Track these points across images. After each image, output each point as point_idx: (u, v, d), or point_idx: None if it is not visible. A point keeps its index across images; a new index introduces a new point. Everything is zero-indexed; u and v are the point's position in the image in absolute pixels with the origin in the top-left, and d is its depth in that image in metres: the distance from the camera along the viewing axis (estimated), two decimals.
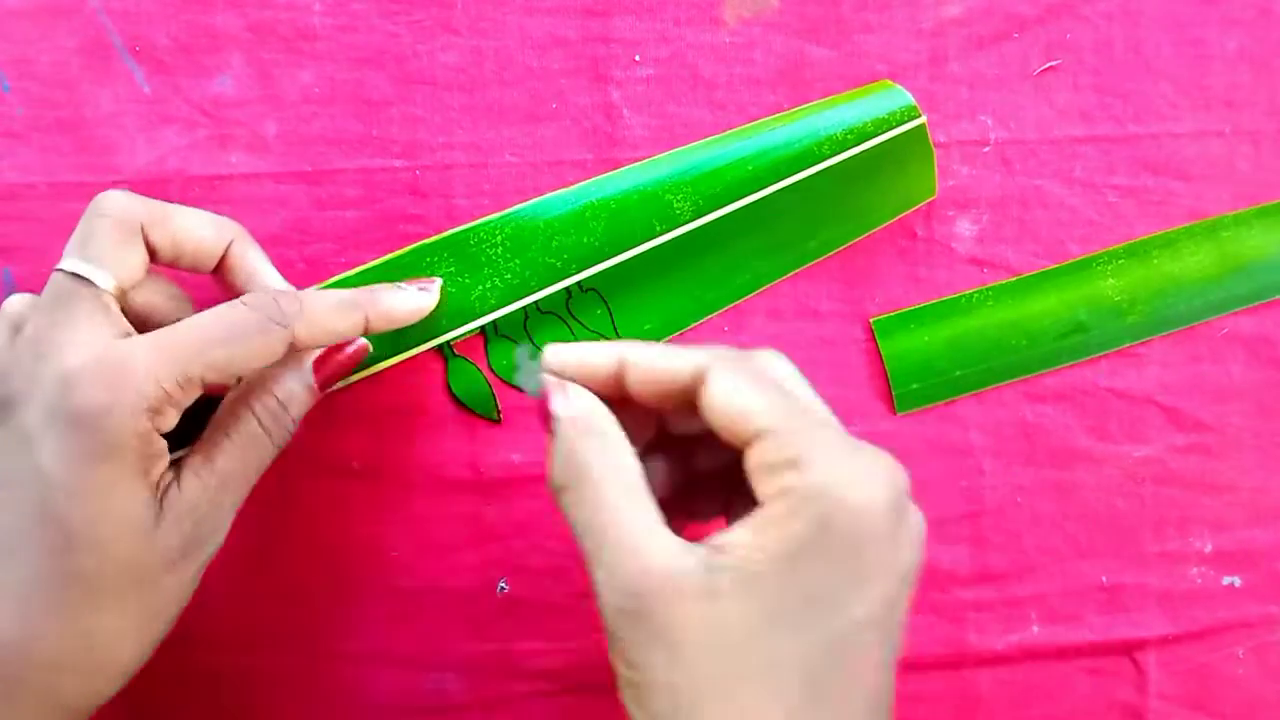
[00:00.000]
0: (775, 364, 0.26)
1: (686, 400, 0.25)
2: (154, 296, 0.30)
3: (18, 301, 0.30)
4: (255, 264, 0.31)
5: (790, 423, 0.23)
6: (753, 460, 0.23)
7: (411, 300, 0.32)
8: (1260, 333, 0.36)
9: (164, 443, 0.27)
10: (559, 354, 0.26)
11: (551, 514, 0.35)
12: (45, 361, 0.25)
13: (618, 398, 0.25)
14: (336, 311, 0.29)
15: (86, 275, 0.26)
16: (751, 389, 0.24)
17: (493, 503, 0.35)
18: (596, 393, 0.25)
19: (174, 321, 0.30)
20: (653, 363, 0.25)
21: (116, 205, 0.27)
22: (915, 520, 0.24)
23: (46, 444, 0.25)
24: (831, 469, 0.22)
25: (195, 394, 0.27)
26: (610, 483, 0.24)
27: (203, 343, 0.26)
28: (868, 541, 0.23)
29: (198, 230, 0.29)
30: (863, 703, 0.23)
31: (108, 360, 0.25)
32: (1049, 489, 0.36)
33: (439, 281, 0.33)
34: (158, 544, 0.26)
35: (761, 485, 0.23)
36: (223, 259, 0.30)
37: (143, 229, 0.28)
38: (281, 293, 0.29)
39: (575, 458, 0.24)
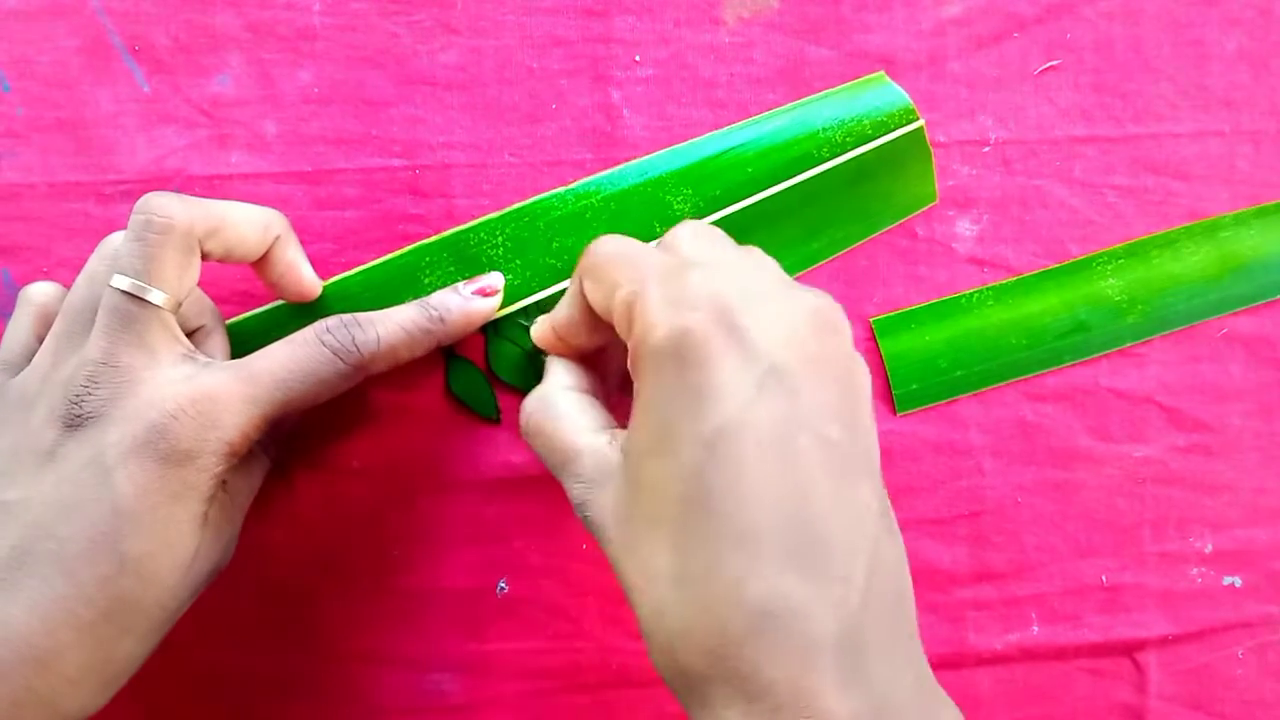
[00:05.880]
0: (677, 233, 0.27)
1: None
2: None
3: (44, 292, 0.30)
4: (294, 258, 0.31)
5: (629, 285, 0.24)
6: (619, 332, 0.25)
7: (478, 310, 0.32)
8: (1260, 333, 0.36)
9: (224, 479, 0.27)
10: (534, 334, 0.31)
11: (551, 514, 0.35)
12: (131, 392, 0.26)
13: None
14: (411, 340, 0.30)
15: (150, 299, 0.26)
16: (610, 271, 0.26)
17: (493, 503, 0.35)
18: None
19: (199, 327, 0.30)
20: (560, 315, 0.29)
21: (178, 221, 0.26)
22: (762, 320, 0.23)
23: (124, 473, 0.25)
24: (642, 316, 0.23)
25: (266, 430, 0.27)
26: (554, 416, 0.27)
27: (283, 385, 0.27)
28: (686, 370, 0.22)
29: (250, 234, 0.29)
30: (754, 515, 0.22)
31: (199, 404, 0.26)
32: (1049, 489, 0.36)
33: (500, 280, 0.33)
34: (192, 575, 0.27)
35: None
36: (264, 254, 0.30)
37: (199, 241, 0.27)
38: (356, 324, 0.29)
39: (530, 419, 0.28)
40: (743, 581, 0.21)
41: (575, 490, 0.26)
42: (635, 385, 0.24)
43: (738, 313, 0.23)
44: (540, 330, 0.30)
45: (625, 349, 0.25)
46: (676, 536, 0.22)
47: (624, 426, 0.27)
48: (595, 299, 0.26)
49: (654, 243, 0.27)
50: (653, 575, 0.23)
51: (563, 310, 0.29)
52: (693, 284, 0.23)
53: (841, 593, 0.21)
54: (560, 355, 0.30)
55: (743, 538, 0.21)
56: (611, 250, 0.26)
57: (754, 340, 0.22)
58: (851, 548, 0.22)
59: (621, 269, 0.25)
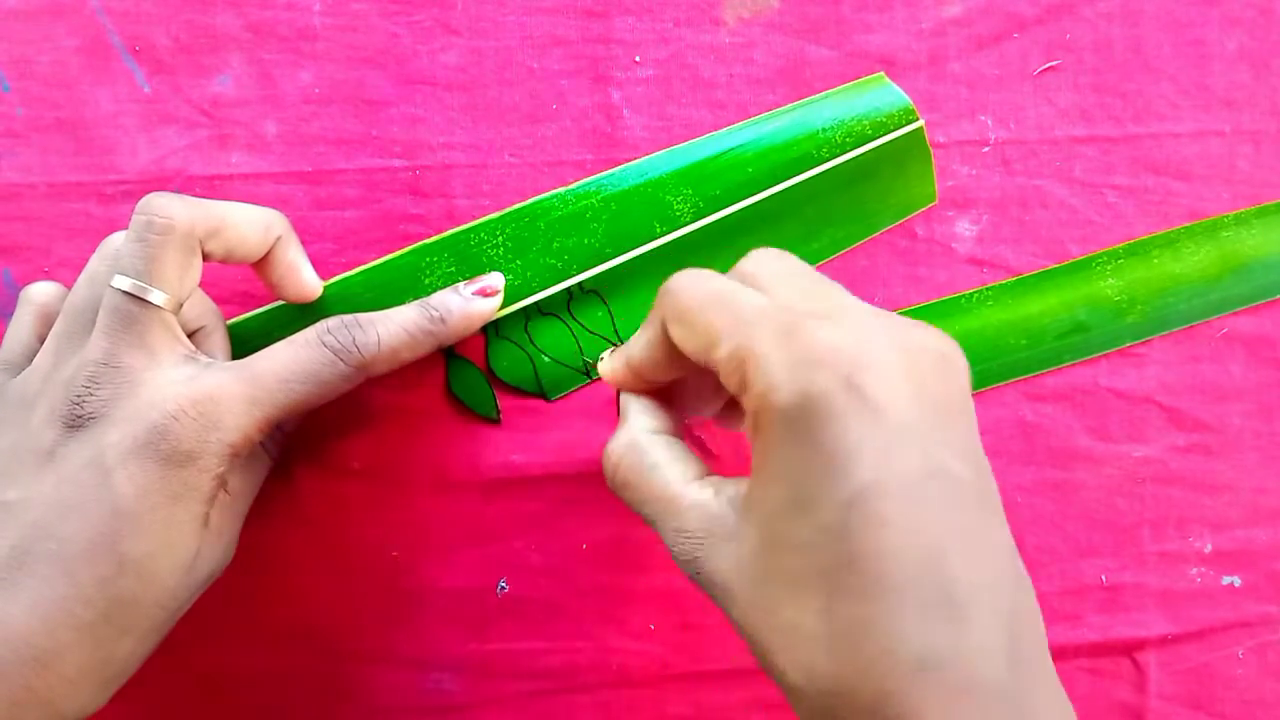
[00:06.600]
0: (760, 265, 0.26)
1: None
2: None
3: (45, 292, 0.30)
4: (295, 259, 0.31)
5: (736, 339, 0.23)
6: (725, 386, 0.24)
7: (479, 311, 0.32)
8: (1260, 333, 0.36)
9: (226, 480, 0.27)
10: (603, 370, 0.30)
11: (551, 514, 0.35)
12: (132, 393, 0.26)
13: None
14: (412, 341, 0.30)
15: (151, 299, 0.26)
16: (706, 320, 0.24)
17: (493, 503, 0.35)
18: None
19: (199, 328, 0.30)
20: (637, 353, 0.27)
21: (179, 221, 0.26)
22: (890, 375, 0.22)
23: (125, 474, 0.25)
24: (762, 376, 0.22)
25: (267, 431, 0.27)
26: (648, 466, 0.26)
27: (284, 388, 0.27)
28: (818, 433, 0.22)
29: (251, 235, 0.29)
30: (900, 574, 0.21)
31: (200, 405, 0.26)
32: (1049, 489, 0.36)
33: (501, 281, 0.33)
34: (193, 576, 0.27)
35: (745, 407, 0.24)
36: (265, 255, 0.30)
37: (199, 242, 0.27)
38: (356, 325, 0.29)
39: (618, 469, 0.27)
40: (897, 638, 0.21)
41: (683, 547, 0.25)
42: (756, 443, 0.23)
43: (862, 369, 0.22)
44: (613, 367, 0.29)
45: (701, 379, 0.25)
46: (824, 598, 0.22)
47: (713, 467, 0.26)
48: (689, 347, 0.25)
49: (732, 273, 0.26)
50: (799, 637, 0.22)
51: (642, 350, 0.27)
52: (813, 341, 0.22)
53: (989, 636, 0.21)
54: (633, 391, 0.29)
55: (892, 595, 0.21)
56: (702, 295, 0.25)
57: (880, 396, 0.22)
58: (994, 592, 0.21)
59: (720, 318, 0.24)
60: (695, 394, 0.29)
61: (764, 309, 0.24)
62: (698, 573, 0.24)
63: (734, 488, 0.24)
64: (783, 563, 0.22)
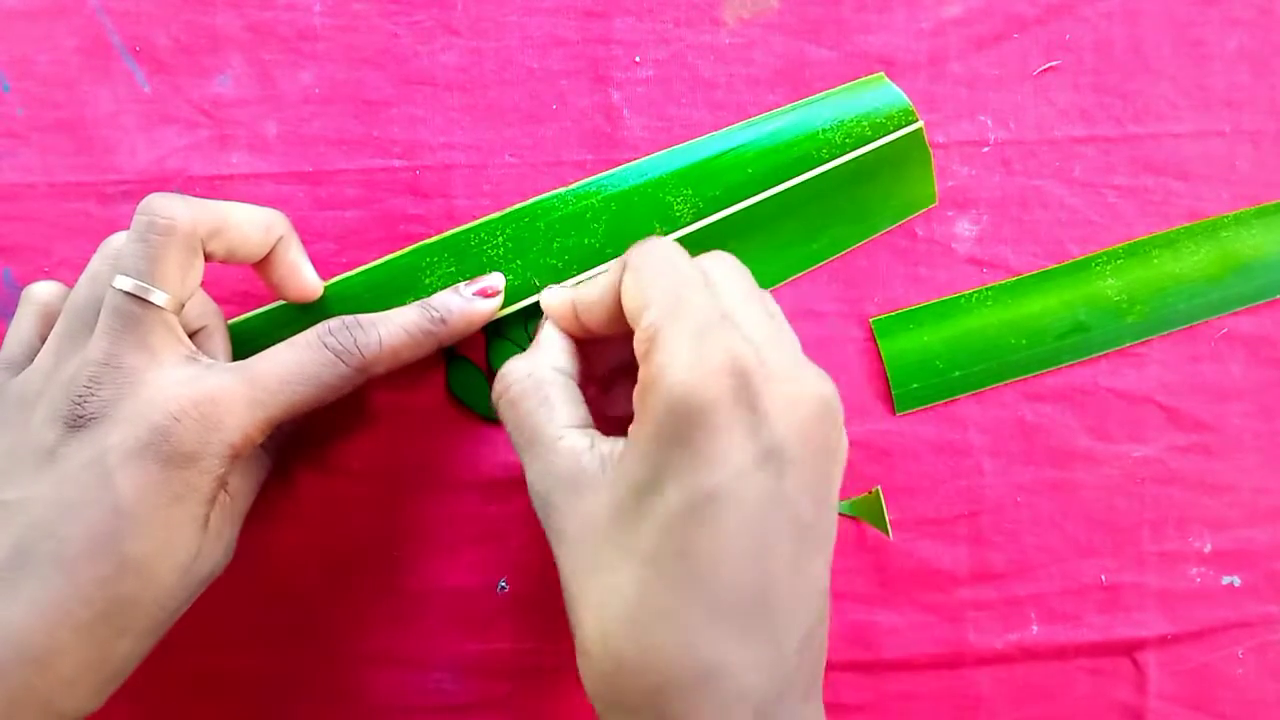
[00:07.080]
0: (715, 264, 0.26)
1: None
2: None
3: (46, 291, 0.30)
4: (296, 259, 0.31)
5: (662, 314, 0.24)
6: (635, 349, 0.25)
7: (480, 311, 0.32)
8: (1260, 333, 0.36)
9: (226, 481, 0.28)
10: (545, 299, 0.30)
11: None
12: (133, 393, 0.26)
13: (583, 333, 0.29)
14: (413, 342, 0.30)
15: (153, 300, 0.26)
16: (651, 282, 0.25)
17: (493, 502, 0.35)
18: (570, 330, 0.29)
19: (200, 328, 0.30)
20: (587, 294, 0.28)
21: (181, 222, 0.26)
22: (776, 403, 0.23)
23: (126, 474, 0.25)
24: (664, 359, 0.23)
25: (268, 433, 0.28)
26: (540, 398, 0.27)
27: (285, 389, 0.27)
28: (694, 429, 0.22)
29: (252, 235, 0.29)
30: (721, 579, 0.23)
31: (202, 406, 0.26)
32: (1048, 489, 0.36)
33: (501, 281, 0.33)
34: (192, 576, 0.27)
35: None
36: (266, 255, 0.30)
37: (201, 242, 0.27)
38: (357, 326, 0.29)
39: (511, 388, 0.27)
40: (696, 636, 0.22)
41: (545, 484, 0.26)
42: (639, 415, 0.24)
43: (757, 390, 0.23)
44: (557, 301, 0.29)
45: (627, 348, 0.25)
46: (644, 575, 0.23)
47: (600, 426, 0.27)
48: (629, 300, 0.25)
49: (698, 261, 0.26)
50: (609, 601, 0.23)
51: (593, 292, 0.27)
52: (724, 347, 0.23)
53: (777, 659, 0.23)
54: (565, 330, 0.29)
55: (706, 597, 0.22)
56: (659, 261, 0.25)
57: (765, 419, 0.23)
58: (796, 620, 0.23)
59: (659, 288, 0.25)
60: (612, 360, 0.30)
61: (695, 300, 0.24)
62: (546, 510, 0.25)
63: (609, 446, 0.25)
64: (624, 532, 0.23)
